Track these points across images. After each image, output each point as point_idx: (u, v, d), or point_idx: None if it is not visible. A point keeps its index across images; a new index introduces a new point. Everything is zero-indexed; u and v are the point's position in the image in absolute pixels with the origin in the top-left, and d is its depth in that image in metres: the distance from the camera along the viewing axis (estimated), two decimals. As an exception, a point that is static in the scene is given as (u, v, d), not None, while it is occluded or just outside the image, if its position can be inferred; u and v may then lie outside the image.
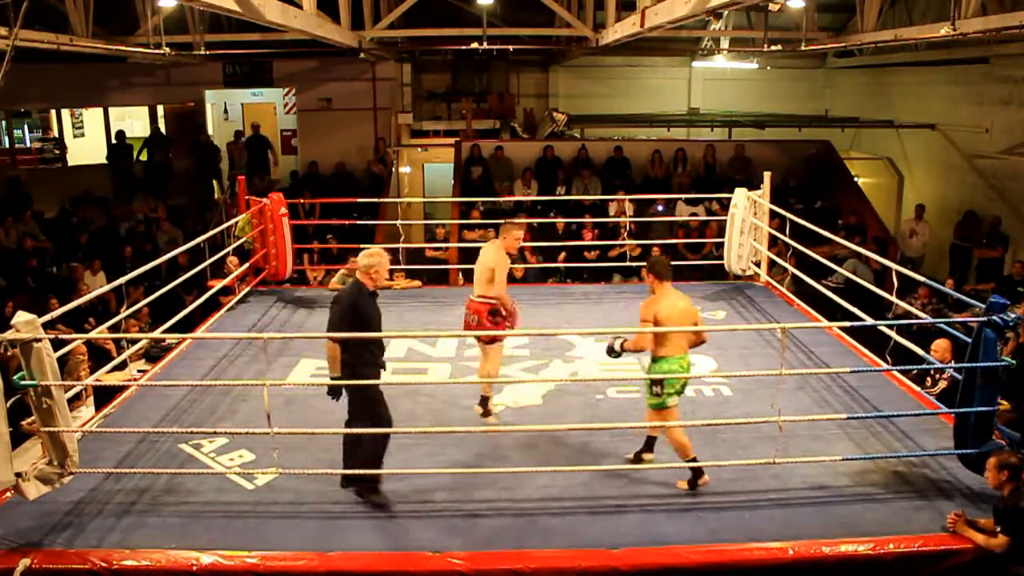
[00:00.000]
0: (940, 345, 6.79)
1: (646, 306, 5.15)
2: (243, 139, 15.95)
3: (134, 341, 7.70)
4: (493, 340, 5.99)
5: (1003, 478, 4.48)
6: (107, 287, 6.87)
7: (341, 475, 5.02)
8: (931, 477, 5.18)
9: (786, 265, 9.06)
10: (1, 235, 12.60)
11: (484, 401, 6.05)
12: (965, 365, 5.07)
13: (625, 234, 11.48)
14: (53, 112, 17.28)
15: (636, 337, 5.18)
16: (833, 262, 9.15)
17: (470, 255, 11.83)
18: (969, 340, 5.05)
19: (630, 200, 11.38)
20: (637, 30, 9.76)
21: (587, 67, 17.67)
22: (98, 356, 8.19)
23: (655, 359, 5.11)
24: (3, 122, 17.15)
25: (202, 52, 13.16)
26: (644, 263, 5.59)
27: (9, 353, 7.09)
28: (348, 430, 5.05)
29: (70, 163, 16.89)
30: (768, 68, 16.81)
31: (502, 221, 11.53)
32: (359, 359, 4.92)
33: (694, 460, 5.08)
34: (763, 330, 7.44)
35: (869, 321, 6.54)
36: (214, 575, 4.32)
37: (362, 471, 4.93)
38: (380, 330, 5.08)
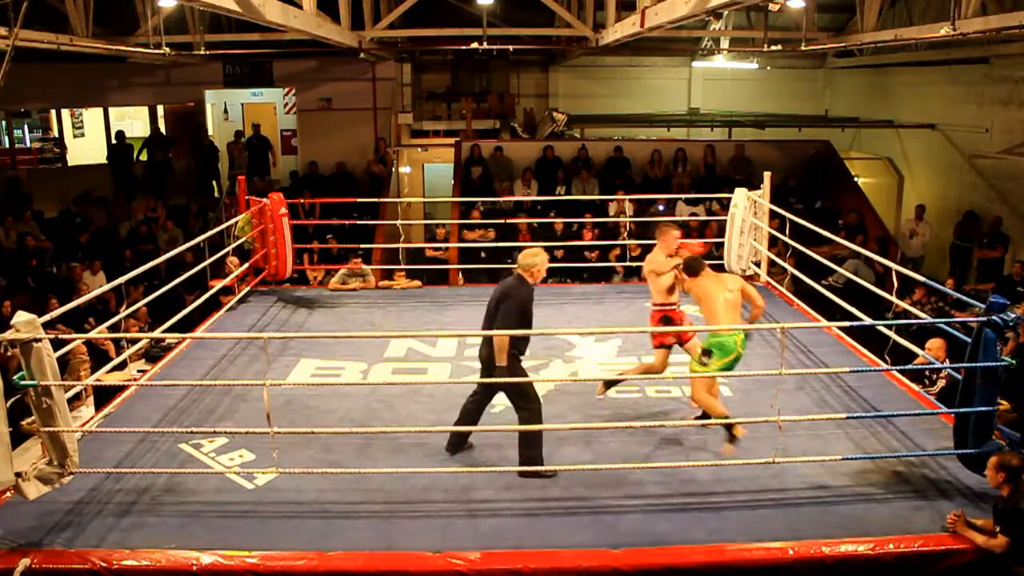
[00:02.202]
0: (933, 344, 6.82)
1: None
2: (243, 139, 15.95)
3: (134, 341, 7.70)
4: (683, 341, 6.03)
5: (1000, 479, 4.48)
6: (107, 287, 6.86)
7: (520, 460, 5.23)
8: (931, 477, 5.18)
9: (786, 265, 9.06)
10: (1, 235, 12.61)
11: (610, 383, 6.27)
12: (965, 365, 5.07)
13: (625, 234, 11.48)
14: (53, 112, 17.27)
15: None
16: (833, 262, 9.15)
17: (470, 255, 11.93)
18: (969, 340, 5.05)
19: (630, 200, 11.39)
20: (637, 30, 9.76)
21: (587, 67, 17.67)
22: (98, 356, 8.20)
23: (712, 335, 5.50)
24: (3, 122, 17.14)
25: (202, 52, 13.16)
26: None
27: (9, 353, 7.10)
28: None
29: (70, 163, 16.87)
30: (768, 68, 16.81)
31: (501, 221, 11.73)
32: (514, 348, 5.24)
33: (727, 417, 5.47)
34: (763, 330, 7.44)
35: (869, 321, 6.54)
36: (214, 575, 4.33)
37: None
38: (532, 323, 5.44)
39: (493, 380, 5.24)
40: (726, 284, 5.73)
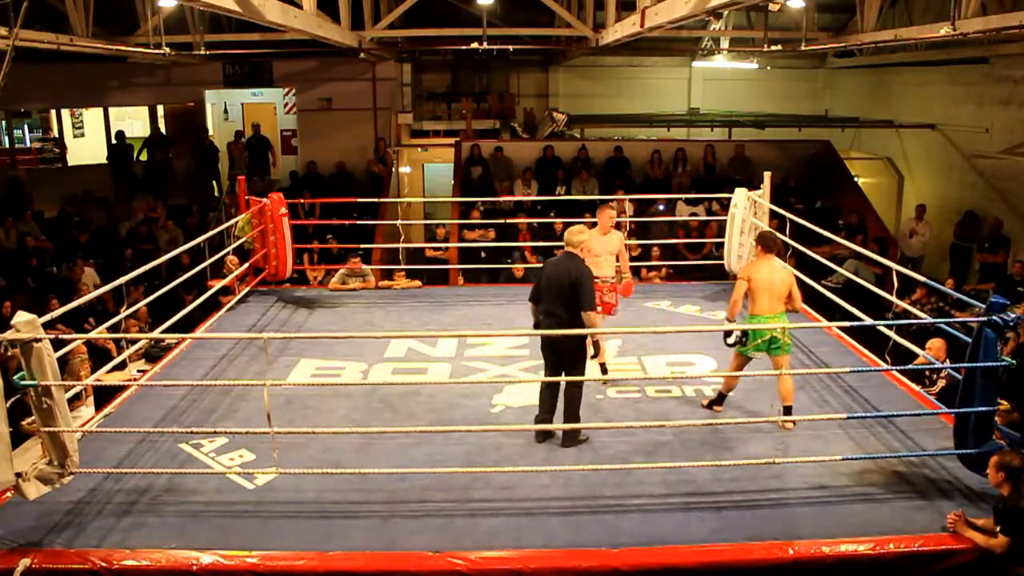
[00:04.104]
0: (934, 344, 6.83)
1: (743, 268, 6.08)
2: (243, 139, 15.95)
3: (134, 341, 7.70)
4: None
5: (1000, 478, 4.47)
6: (107, 287, 6.86)
7: (564, 432, 5.68)
8: (931, 477, 5.18)
9: (786, 265, 9.04)
10: (1, 235, 12.61)
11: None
12: (965, 365, 5.07)
13: (625, 234, 11.47)
14: (53, 112, 17.27)
15: (731, 301, 6.06)
16: (833, 262, 9.14)
17: (470, 255, 11.92)
18: (969, 340, 5.05)
19: (630, 200, 11.38)
20: (637, 30, 9.76)
21: (587, 67, 17.67)
22: (98, 356, 8.20)
23: (750, 315, 5.97)
24: (3, 122, 17.14)
25: (202, 52, 13.16)
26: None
27: (9, 353, 7.10)
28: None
29: (70, 163, 16.87)
30: (768, 68, 16.80)
31: (501, 221, 11.72)
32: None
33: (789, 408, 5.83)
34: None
35: (869, 321, 6.53)
36: (214, 575, 4.33)
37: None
38: None
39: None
40: (783, 282, 6.00)
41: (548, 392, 5.78)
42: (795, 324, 7.62)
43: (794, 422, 5.80)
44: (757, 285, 5.90)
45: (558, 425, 5.67)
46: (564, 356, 5.65)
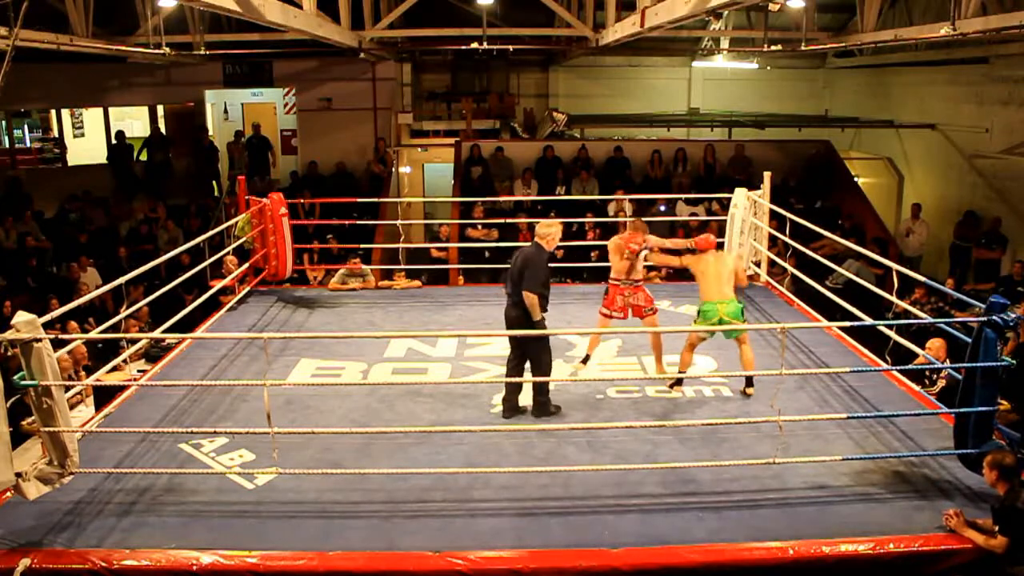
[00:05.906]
0: (934, 344, 6.83)
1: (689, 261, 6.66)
2: (243, 139, 15.94)
3: (134, 341, 7.70)
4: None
5: (994, 477, 4.48)
6: (107, 287, 6.85)
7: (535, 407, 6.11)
8: (931, 477, 5.18)
9: (786, 265, 9.05)
10: (1, 235, 12.61)
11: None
12: (965, 365, 5.07)
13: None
14: (53, 112, 17.26)
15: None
16: (833, 260, 9.14)
17: (472, 255, 11.93)
18: (969, 340, 5.05)
19: (629, 200, 11.38)
20: (637, 30, 9.76)
21: (587, 67, 17.67)
22: (98, 356, 8.19)
23: (703, 302, 6.41)
24: (3, 122, 17.13)
25: (202, 52, 13.15)
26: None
27: (9, 353, 7.10)
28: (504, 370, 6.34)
29: (70, 163, 16.85)
30: (768, 68, 16.80)
31: (501, 221, 11.74)
32: (543, 306, 6.11)
33: (682, 375, 6.43)
34: (763, 330, 7.43)
35: (869, 321, 6.53)
36: (214, 575, 4.33)
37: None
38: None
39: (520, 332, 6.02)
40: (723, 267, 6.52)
41: (515, 373, 6.14)
42: (796, 324, 7.66)
43: (751, 390, 6.36)
44: (701, 275, 6.45)
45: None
46: (525, 340, 6.04)
